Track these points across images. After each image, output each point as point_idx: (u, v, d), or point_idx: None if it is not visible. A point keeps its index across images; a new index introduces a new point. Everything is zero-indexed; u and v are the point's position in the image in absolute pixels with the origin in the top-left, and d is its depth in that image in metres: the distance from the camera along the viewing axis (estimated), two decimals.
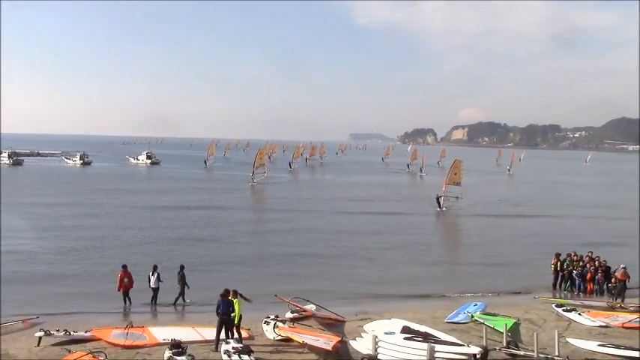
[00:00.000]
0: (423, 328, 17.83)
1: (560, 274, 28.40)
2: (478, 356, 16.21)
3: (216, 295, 19.27)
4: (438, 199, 58.63)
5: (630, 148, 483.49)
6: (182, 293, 24.86)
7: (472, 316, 22.27)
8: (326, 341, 18.19)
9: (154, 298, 24.86)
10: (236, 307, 18.91)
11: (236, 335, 18.69)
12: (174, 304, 24.73)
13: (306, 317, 21.84)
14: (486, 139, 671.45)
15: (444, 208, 57.58)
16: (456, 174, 60.25)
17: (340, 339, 18.66)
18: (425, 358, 15.79)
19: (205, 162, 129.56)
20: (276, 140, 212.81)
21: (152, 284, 24.75)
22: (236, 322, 18.75)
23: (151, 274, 24.77)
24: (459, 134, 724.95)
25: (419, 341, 16.54)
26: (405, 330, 17.62)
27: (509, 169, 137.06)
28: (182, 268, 25.30)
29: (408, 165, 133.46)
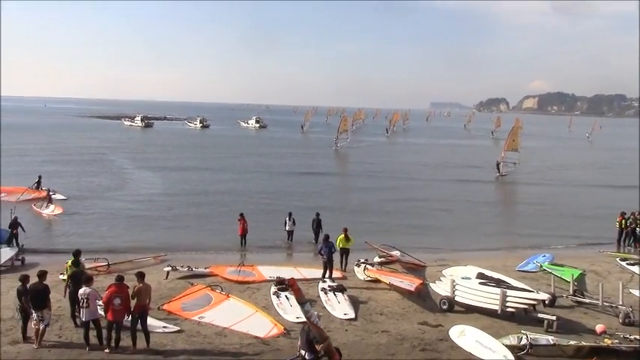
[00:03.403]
0: (496, 275, 18.10)
1: (624, 230, 28.30)
2: (546, 302, 16.65)
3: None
4: (497, 164, 56.66)
5: None
6: (316, 234, 26.57)
7: (541, 266, 22.60)
8: (409, 283, 19.05)
9: (290, 238, 27.39)
10: (341, 242, 21.65)
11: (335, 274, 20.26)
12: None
13: (392, 262, 22.74)
14: (555, 107, 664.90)
15: (504, 173, 55.41)
16: (514, 140, 57.76)
17: (422, 282, 19.41)
18: (497, 301, 16.30)
19: (302, 127, 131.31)
20: (365, 108, 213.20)
21: (287, 227, 27.26)
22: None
23: (287, 218, 27.32)
24: (529, 103, 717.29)
25: (492, 286, 16.93)
26: (480, 276, 17.96)
27: (588, 136, 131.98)
28: (318, 214, 27.37)
29: (492, 132, 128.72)
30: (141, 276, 13.86)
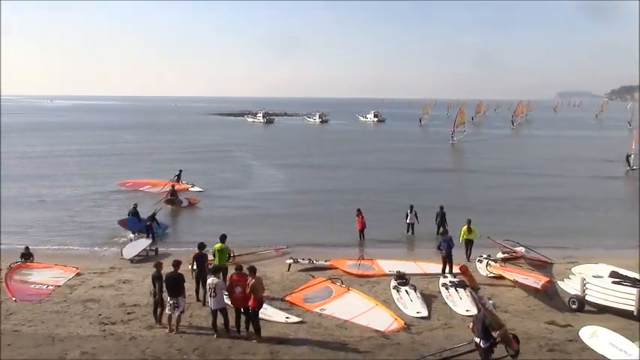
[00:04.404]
0: (631, 274, 16.98)
1: None
2: None
3: None
4: (627, 157, 52.49)
5: None
6: (439, 227, 26.16)
7: None
8: (535, 280, 18.34)
9: (410, 230, 27.64)
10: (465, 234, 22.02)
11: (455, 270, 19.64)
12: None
13: (516, 258, 21.97)
14: None
15: (635, 167, 50.86)
16: None
17: (549, 279, 18.67)
18: (634, 302, 15.41)
19: (420, 120, 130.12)
20: (485, 100, 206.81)
21: (408, 220, 27.59)
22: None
23: (409, 210, 27.60)
24: None
25: (628, 285, 15.97)
26: (613, 275, 16.94)
27: None
28: (442, 208, 27.10)
29: (629, 122, 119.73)
30: (252, 270, 14.30)
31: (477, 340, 11.14)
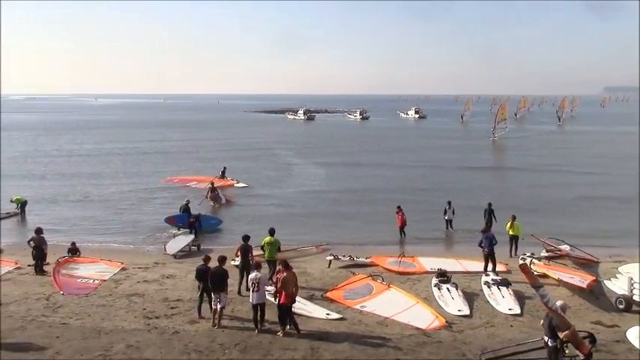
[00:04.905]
0: None
1: None
2: None
3: None
4: None
5: None
6: (489, 223, 25.63)
7: None
8: (581, 279, 17.91)
9: (449, 226, 27.68)
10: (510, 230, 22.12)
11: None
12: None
13: (561, 256, 21.62)
14: None
15: None
16: None
17: (595, 278, 18.21)
18: None
19: (462, 116, 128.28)
20: (529, 95, 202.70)
21: (447, 216, 27.57)
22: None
23: (447, 207, 27.58)
24: None
25: None
26: None
27: None
28: (490, 204, 26.93)
29: None
30: (285, 266, 14.45)
31: (545, 338, 10.99)
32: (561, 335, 10.57)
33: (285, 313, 14.18)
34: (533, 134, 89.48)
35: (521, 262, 18.63)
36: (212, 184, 35.79)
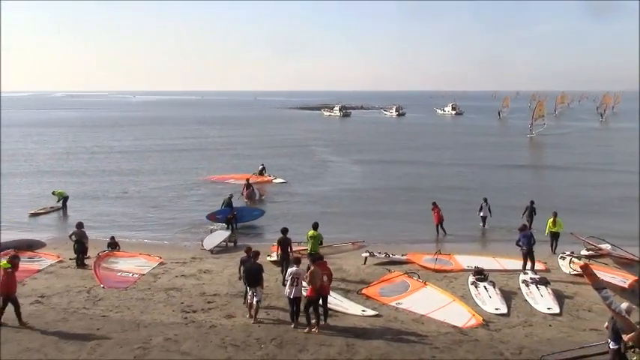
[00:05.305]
0: None
1: None
2: None
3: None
4: None
5: None
6: (530, 220, 25.33)
7: None
8: (622, 279, 17.64)
9: (484, 223, 27.45)
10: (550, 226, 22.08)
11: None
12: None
13: (601, 255, 21.15)
14: None
15: None
16: None
17: (637, 278, 17.48)
18: None
19: (499, 113, 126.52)
20: (568, 91, 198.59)
21: (482, 213, 27.36)
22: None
23: (483, 203, 27.43)
24: None
25: None
26: None
27: None
28: (532, 202, 26.45)
29: None
30: (314, 259, 14.54)
31: (609, 340, 10.71)
32: (626, 338, 10.18)
33: (310, 306, 14.22)
34: (574, 131, 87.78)
35: (582, 261, 18.12)
36: (247, 180, 36.04)
